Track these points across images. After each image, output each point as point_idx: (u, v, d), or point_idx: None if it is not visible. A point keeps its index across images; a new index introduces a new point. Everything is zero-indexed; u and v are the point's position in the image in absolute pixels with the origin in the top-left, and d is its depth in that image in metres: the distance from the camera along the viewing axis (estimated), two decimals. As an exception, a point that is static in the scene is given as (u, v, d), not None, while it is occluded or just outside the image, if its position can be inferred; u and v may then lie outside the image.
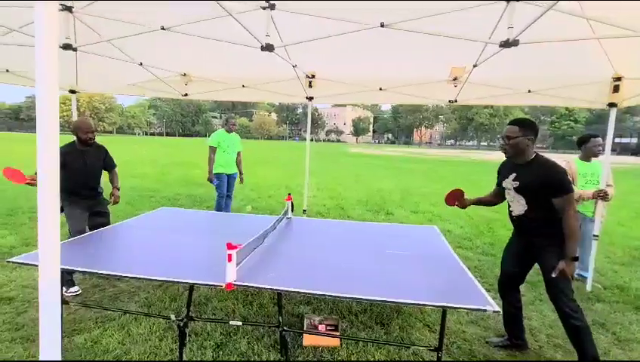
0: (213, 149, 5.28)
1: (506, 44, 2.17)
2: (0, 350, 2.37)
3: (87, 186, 3.39)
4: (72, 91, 4.25)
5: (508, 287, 2.66)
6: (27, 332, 2.58)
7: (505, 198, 2.62)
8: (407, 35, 2.60)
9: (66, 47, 2.68)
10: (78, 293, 3.23)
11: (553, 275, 2.21)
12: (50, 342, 1.26)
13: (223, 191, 5.40)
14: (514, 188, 2.41)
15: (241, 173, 5.65)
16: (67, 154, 3.11)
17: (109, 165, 3.60)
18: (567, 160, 3.77)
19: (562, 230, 2.23)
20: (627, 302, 3.53)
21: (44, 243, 1.22)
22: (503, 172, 2.59)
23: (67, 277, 3.18)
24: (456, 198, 2.93)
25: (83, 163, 3.28)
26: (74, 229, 3.21)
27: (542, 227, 2.34)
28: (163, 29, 2.60)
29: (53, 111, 1.17)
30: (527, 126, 2.34)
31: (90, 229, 3.25)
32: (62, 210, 3.21)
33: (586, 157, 3.77)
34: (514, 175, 2.42)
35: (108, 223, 3.44)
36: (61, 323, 1.30)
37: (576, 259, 2.21)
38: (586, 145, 3.76)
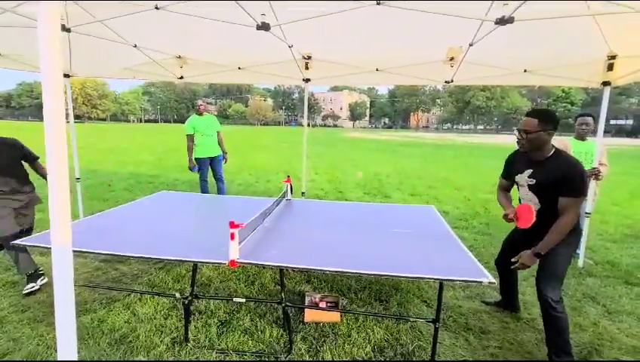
0: (190, 137, 5.26)
1: (502, 21, 2.17)
2: (9, 331, 2.43)
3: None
4: (66, 75, 4.20)
5: (505, 266, 2.65)
6: (33, 314, 2.63)
7: (509, 189, 2.56)
8: (403, 14, 2.58)
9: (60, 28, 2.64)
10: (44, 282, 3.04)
11: (513, 265, 2.21)
12: (66, 341, 1.29)
13: (205, 174, 5.41)
14: (528, 185, 2.27)
15: (225, 153, 5.61)
16: None
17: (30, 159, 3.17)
18: (562, 139, 3.81)
19: (573, 230, 2.14)
20: (617, 276, 3.64)
21: (56, 227, 1.23)
22: (515, 165, 2.41)
23: (32, 270, 3.02)
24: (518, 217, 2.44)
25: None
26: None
27: (551, 225, 2.17)
28: (157, 8, 2.57)
29: (58, 94, 1.19)
30: (547, 118, 2.15)
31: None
32: None
33: (578, 137, 3.83)
34: (530, 171, 2.27)
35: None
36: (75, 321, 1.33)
37: (539, 256, 2.16)
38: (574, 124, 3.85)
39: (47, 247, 2.22)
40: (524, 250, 2.27)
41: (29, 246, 2.40)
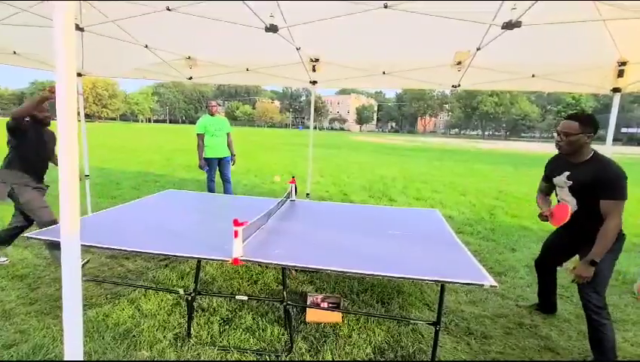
0: (200, 136, 5.31)
1: (509, 25, 2.18)
2: (16, 323, 2.47)
3: (41, 169, 3.25)
4: (78, 74, 4.28)
5: (544, 268, 2.80)
6: (41, 307, 2.68)
7: (551, 192, 2.61)
8: (411, 17, 2.60)
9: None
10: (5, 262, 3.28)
11: (570, 278, 2.16)
12: (73, 343, 1.31)
13: (212, 175, 5.45)
14: (568, 186, 2.30)
15: (233, 155, 5.66)
16: (24, 126, 2.97)
17: None
18: None
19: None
20: (624, 285, 3.60)
21: (65, 221, 1.25)
22: (554, 167, 2.47)
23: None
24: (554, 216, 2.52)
25: (41, 140, 3.13)
26: (48, 218, 3.09)
27: (591, 227, 2.19)
28: (168, 9, 2.62)
29: (72, 92, 1.21)
30: (587, 122, 2.18)
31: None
32: (10, 196, 3.08)
33: None
34: (567, 173, 2.31)
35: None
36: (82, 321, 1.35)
37: (594, 263, 2.12)
38: None
39: (57, 241, 2.26)
40: (563, 251, 2.43)
41: (42, 239, 2.46)
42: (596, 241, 2.12)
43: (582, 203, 2.26)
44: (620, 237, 2.24)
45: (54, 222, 3.00)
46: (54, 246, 3.13)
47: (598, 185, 2.11)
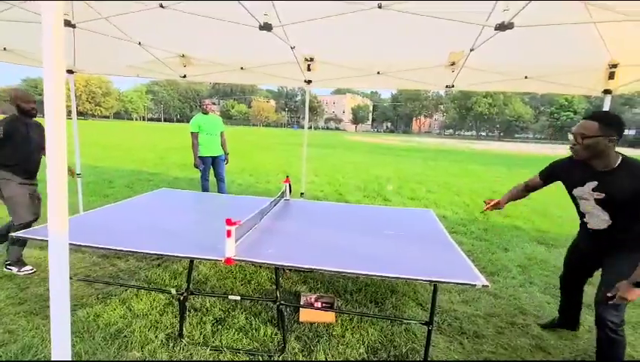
0: (194, 135, 5.29)
1: (502, 26, 2.19)
2: (5, 323, 2.44)
3: (30, 165, 3.17)
4: (70, 71, 4.23)
5: (571, 283, 2.58)
6: (30, 307, 2.65)
7: (532, 191, 2.46)
8: (406, 18, 2.60)
9: (65, 23, 2.67)
10: (32, 271, 3.20)
11: (610, 300, 1.82)
12: (61, 343, 1.29)
13: (207, 174, 5.43)
14: (595, 199, 2.00)
15: (226, 154, 5.65)
16: (9, 124, 2.95)
17: None
18: None
19: None
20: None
21: (53, 221, 1.23)
22: (572, 175, 2.13)
23: (17, 255, 3.21)
24: (491, 204, 2.62)
25: (27, 135, 3.05)
26: (24, 219, 3.07)
27: (623, 239, 1.99)
28: (162, 6, 2.59)
29: (60, 89, 1.19)
30: (610, 123, 1.90)
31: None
32: None
33: None
34: (594, 183, 2.00)
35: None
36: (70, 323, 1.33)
37: (638, 285, 1.76)
38: None
39: (44, 240, 2.23)
40: (591, 263, 2.25)
41: (28, 238, 2.42)
42: None
43: (615, 216, 1.99)
44: None
45: (27, 225, 3.01)
46: (16, 241, 3.13)
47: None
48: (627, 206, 1.91)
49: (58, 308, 1.28)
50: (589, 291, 3.40)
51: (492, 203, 2.60)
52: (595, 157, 1.96)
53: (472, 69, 3.65)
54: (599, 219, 2.05)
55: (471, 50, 3.09)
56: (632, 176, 1.87)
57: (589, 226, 2.14)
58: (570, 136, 2.03)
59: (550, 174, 2.34)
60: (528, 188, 2.50)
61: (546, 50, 3.28)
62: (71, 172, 3.66)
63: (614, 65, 3.30)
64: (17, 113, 3.05)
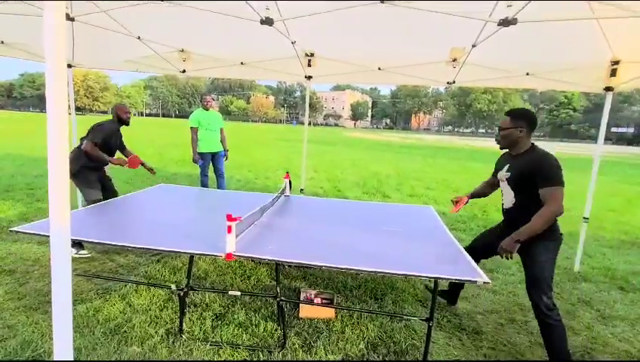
0: (194, 130, 5.27)
1: (505, 22, 2.17)
2: (4, 318, 2.43)
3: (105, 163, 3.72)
4: (69, 65, 4.19)
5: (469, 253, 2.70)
6: (29, 302, 2.64)
7: (497, 188, 2.62)
8: (407, 13, 2.58)
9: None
10: (88, 256, 3.47)
11: (499, 254, 2.16)
12: (63, 342, 1.28)
13: (206, 170, 5.42)
14: (506, 179, 2.34)
15: (226, 150, 5.63)
16: (113, 133, 3.60)
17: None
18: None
19: (552, 234, 2.17)
20: (613, 282, 3.66)
21: (55, 215, 1.21)
22: (499, 163, 2.52)
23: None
24: (459, 203, 2.85)
25: (119, 141, 3.76)
26: (91, 198, 3.45)
27: (525, 222, 2.15)
28: (161, 0, 2.56)
29: (62, 84, 1.17)
30: (519, 116, 2.27)
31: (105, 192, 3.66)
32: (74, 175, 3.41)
33: None
34: (507, 165, 2.36)
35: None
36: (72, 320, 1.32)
37: (519, 242, 2.11)
38: None
39: (45, 235, 2.22)
40: (492, 243, 2.33)
41: (29, 233, 2.41)
42: (530, 221, 2.10)
43: (518, 195, 2.27)
44: (557, 235, 2.23)
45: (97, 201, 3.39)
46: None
47: (534, 173, 2.13)
48: (524, 184, 2.20)
49: (60, 304, 1.27)
50: (585, 288, 3.44)
51: (459, 203, 2.83)
52: (511, 146, 2.34)
53: (474, 65, 3.63)
54: (508, 198, 2.36)
55: (473, 47, 3.07)
56: (531, 159, 2.20)
57: (504, 206, 2.43)
58: (497, 130, 2.43)
59: (495, 167, 2.60)
60: (489, 184, 2.76)
61: (548, 47, 3.26)
62: (151, 170, 4.06)
63: (616, 62, 3.29)
64: (116, 121, 3.63)
